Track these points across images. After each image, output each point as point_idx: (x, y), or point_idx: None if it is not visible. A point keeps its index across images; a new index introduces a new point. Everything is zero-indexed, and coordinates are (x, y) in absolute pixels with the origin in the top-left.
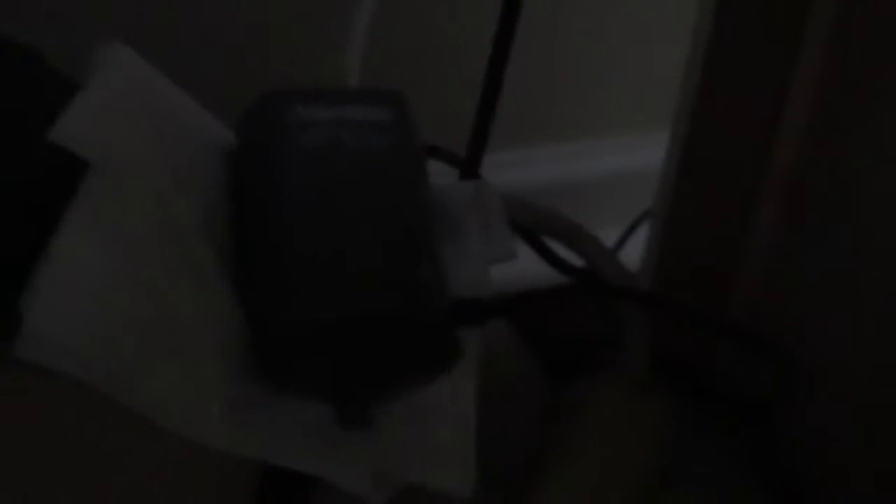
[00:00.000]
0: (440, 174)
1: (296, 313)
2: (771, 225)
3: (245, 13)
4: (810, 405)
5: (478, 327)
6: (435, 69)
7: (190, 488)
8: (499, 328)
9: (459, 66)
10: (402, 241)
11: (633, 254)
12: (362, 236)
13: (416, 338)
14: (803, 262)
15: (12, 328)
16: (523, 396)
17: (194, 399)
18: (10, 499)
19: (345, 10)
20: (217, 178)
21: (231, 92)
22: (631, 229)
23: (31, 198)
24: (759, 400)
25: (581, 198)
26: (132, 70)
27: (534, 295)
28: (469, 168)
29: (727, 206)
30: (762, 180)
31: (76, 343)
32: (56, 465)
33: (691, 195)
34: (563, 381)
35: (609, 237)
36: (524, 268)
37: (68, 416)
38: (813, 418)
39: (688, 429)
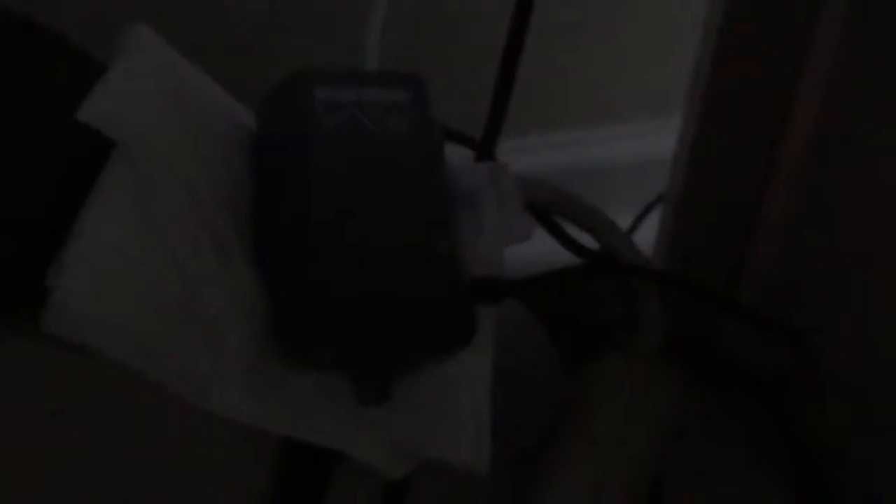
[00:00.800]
0: (456, 157)
1: (315, 290)
2: (784, 205)
3: None
4: (819, 385)
5: (493, 306)
6: (453, 53)
7: (210, 462)
8: (514, 308)
9: (477, 50)
10: (420, 220)
11: (646, 239)
12: (381, 215)
13: (433, 314)
14: (816, 241)
15: (40, 303)
16: (537, 375)
17: (215, 373)
18: (32, 468)
19: None
20: (239, 158)
21: (251, 74)
22: (644, 213)
23: (58, 176)
24: (769, 379)
25: (595, 183)
26: (155, 51)
27: (548, 275)
28: (485, 150)
29: (740, 188)
30: (775, 161)
31: (102, 317)
32: (79, 436)
33: (704, 176)
34: (578, 361)
35: (623, 222)
36: (538, 249)
37: (92, 389)
38: (822, 398)
39: (699, 407)
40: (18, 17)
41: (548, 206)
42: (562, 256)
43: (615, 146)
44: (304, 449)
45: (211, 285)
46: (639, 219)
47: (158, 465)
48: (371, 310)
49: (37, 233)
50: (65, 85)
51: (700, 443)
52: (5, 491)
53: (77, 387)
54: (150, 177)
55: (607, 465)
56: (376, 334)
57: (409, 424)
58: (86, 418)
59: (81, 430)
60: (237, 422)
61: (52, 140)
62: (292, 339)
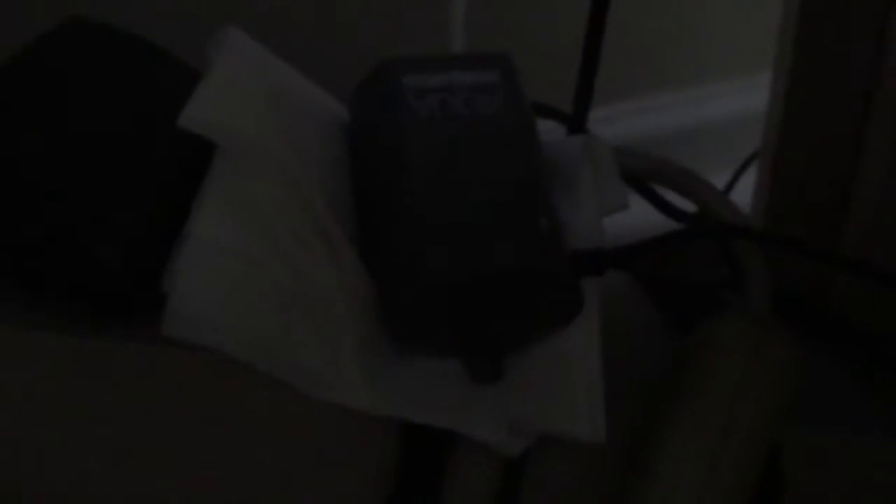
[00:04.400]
0: (548, 131)
1: (422, 274)
2: (882, 154)
3: None
4: None
5: (597, 277)
6: (536, 26)
7: (331, 453)
8: (617, 278)
9: (560, 22)
10: (520, 198)
11: (742, 198)
12: (481, 196)
13: (539, 289)
14: None
15: (157, 308)
16: (643, 342)
17: (332, 363)
18: (160, 468)
19: None
20: (335, 150)
21: (337, 66)
22: (740, 171)
23: (163, 182)
24: (882, 332)
25: (687, 145)
26: (247, 52)
27: (650, 242)
28: (576, 123)
29: (836, 140)
30: (870, 111)
31: (219, 318)
32: (200, 435)
33: (799, 130)
34: (684, 325)
35: (717, 183)
36: (637, 217)
37: (213, 388)
38: None
39: (813, 365)
40: (107, 27)
41: (643, 174)
42: (659, 222)
43: (705, 107)
44: (421, 431)
45: (320, 276)
46: (734, 178)
47: (280, 459)
48: (479, 290)
49: (147, 240)
50: (162, 92)
51: (816, 402)
52: (130, 488)
53: (197, 387)
54: (254, 176)
55: (724, 429)
56: (485, 314)
57: (523, 401)
58: (207, 418)
59: (202, 429)
60: (354, 408)
61: (155, 147)
62: (402, 324)
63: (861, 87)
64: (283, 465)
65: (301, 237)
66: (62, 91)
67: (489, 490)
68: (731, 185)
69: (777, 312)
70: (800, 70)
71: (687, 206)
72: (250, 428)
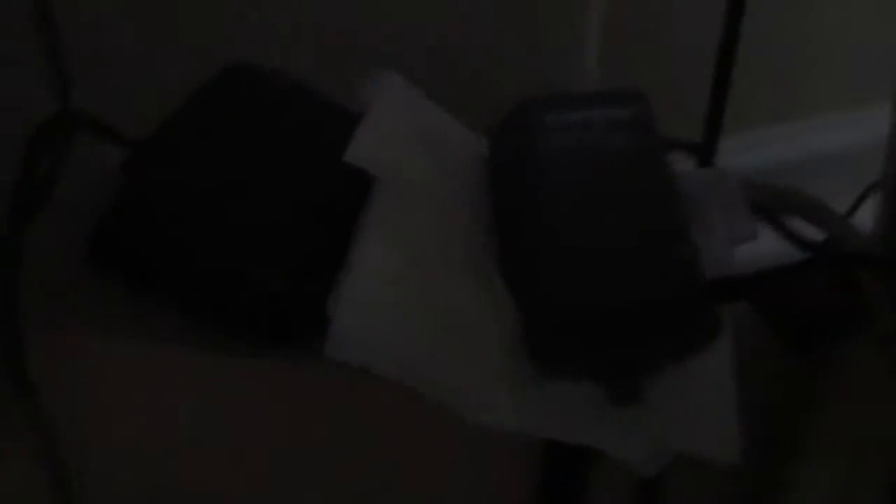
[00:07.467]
0: (676, 161)
1: (564, 302)
2: None
3: (484, 31)
4: None
5: (729, 304)
6: (665, 64)
7: (475, 471)
8: (743, 305)
9: (688, 59)
10: (659, 227)
11: (861, 227)
12: (622, 225)
13: (678, 316)
14: None
15: (321, 331)
16: (770, 370)
17: (481, 384)
18: (308, 484)
19: (578, 15)
20: (478, 183)
21: (476, 103)
22: (859, 201)
23: (330, 214)
24: None
25: (810, 175)
26: (402, 93)
27: (779, 270)
28: (706, 155)
29: None
30: None
31: (379, 341)
32: (358, 450)
33: None
34: (806, 352)
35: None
36: (764, 246)
37: (369, 407)
38: None
39: None
40: (263, 69)
41: (771, 204)
42: (786, 251)
43: (828, 137)
44: (563, 451)
45: (471, 304)
46: (854, 207)
47: (427, 475)
48: (619, 317)
49: (313, 268)
50: (317, 129)
51: None
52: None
53: (359, 407)
54: (410, 208)
55: (857, 450)
56: (626, 339)
57: (661, 422)
58: (366, 436)
59: (362, 447)
60: (505, 429)
61: (314, 183)
62: (545, 349)
63: None
64: (429, 482)
65: (454, 266)
66: (228, 135)
67: None
68: (850, 214)
69: None
70: None
71: (811, 233)
72: (399, 447)
